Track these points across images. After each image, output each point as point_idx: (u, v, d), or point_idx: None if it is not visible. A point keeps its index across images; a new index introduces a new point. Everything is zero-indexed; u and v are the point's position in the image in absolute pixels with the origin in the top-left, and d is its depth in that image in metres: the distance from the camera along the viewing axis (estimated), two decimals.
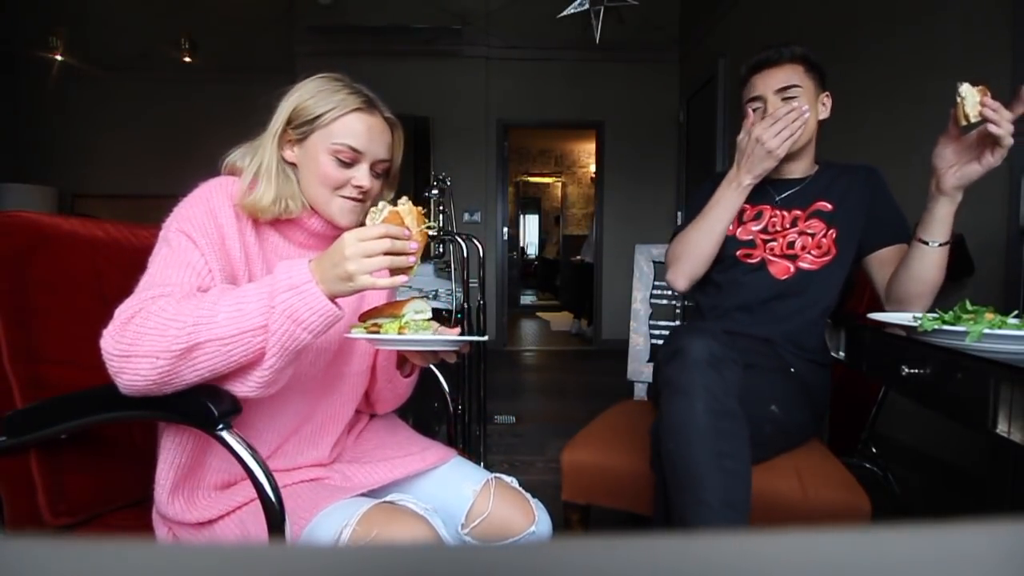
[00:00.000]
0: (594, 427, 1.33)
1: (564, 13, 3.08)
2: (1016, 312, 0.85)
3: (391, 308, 0.83)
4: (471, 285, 2.04)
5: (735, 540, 0.14)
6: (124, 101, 5.29)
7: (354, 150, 0.83)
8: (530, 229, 10.50)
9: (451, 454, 0.98)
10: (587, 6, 3.04)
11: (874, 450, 1.60)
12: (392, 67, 4.95)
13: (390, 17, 4.75)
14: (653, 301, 1.65)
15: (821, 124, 1.26)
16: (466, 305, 2.01)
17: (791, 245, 1.23)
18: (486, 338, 0.95)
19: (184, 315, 0.68)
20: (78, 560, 0.14)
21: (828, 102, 1.24)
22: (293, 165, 0.86)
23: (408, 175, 5.01)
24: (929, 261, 1.04)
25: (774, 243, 1.25)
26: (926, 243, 1.03)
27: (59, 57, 4.81)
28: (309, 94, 0.84)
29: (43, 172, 5.03)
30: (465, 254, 1.97)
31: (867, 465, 1.58)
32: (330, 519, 0.74)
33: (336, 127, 0.83)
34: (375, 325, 0.81)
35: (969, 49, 1.94)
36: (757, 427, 1.04)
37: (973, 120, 0.89)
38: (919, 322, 0.83)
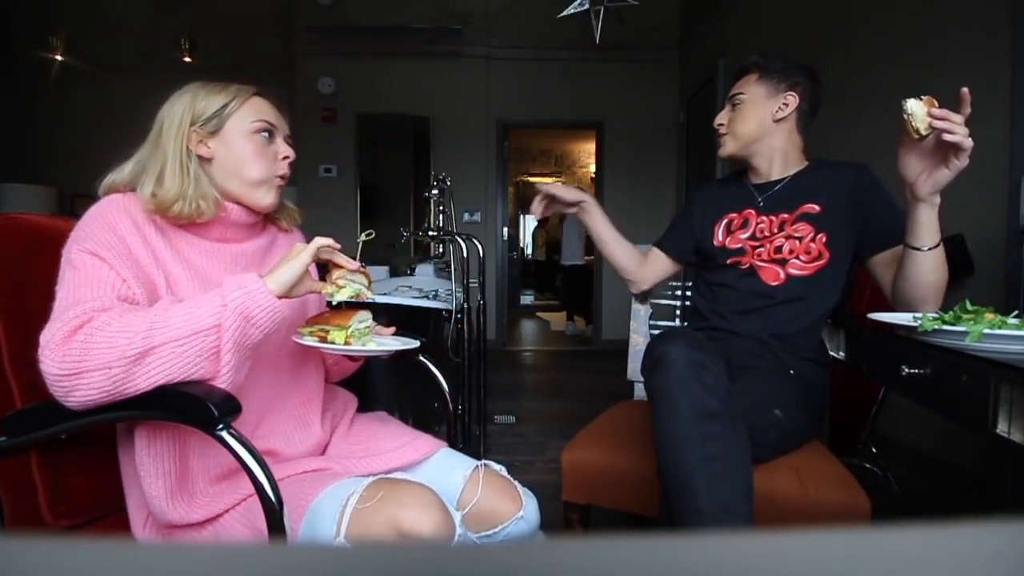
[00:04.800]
0: (594, 427, 1.33)
1: (564, 13, 3.08)
2: (1016, 312, 0.85)
3: (339, 317, 0.89)
4: (471, 285, 2.04)
5: (735, 540, 0.14)
6: (124, 101, 5.28)
7: (271, 124, 0.91)
8: (530, 229, 10.49)
9: (441, 444, 1.01)
10: (587, 6, 3.04)
11: (874, 450, 1.60)
12: (392, 67, 4.95)
13: (390, 17, 4.74)
14: (653, 301, 1.65)
15: (800, 115, 1.25)
16: (466, 305, 2.01)
17: (778, 250, 1.23)
18: (418, 344, 1.00)
19: (134, 324, 0.69)
20: (78, 560, 0.14)
21: (792, 99, 1.23)
22: (208, 161, 0.89)
23: (408, 175, 5.02)
24: (926, 265, 1.02)
25: (762, 248, 1.25)
26: (917, 249, 1.01)
27: (59, 57, 4.80)
28: (200, 95, 0.88)
29: (43, 172, 5.02)
30: (465, 254, 1.97)
31: (867, 465, 1.58)
32: (336, 493, 0.76)
33: (247, 109, 0.89)
34: (322, 331, 0.88)
35: (969, 49, 1.94)
36: (761, 431, 1.04)
37: (924, 133, 0.89)
38: (919, 322, 0.83)
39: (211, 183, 0.88)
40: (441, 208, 2.03)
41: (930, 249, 1.00)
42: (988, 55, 1.85)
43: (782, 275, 1.22)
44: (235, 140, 0.88)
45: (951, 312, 0.84)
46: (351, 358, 1.06)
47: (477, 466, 0.96)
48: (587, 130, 6.05)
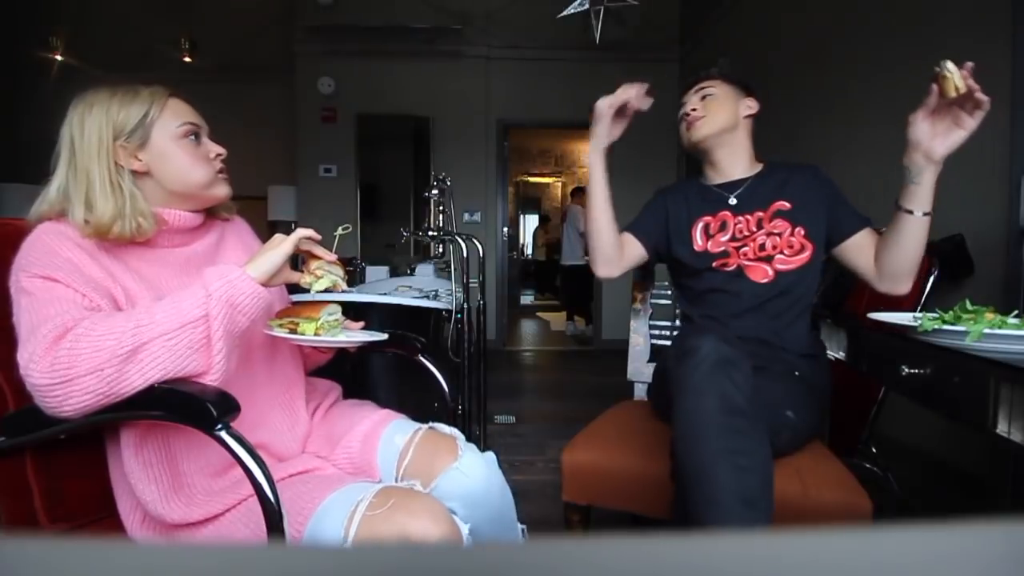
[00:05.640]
0: (594, 427, 1.33)
1: (564, 13, 3.08)
2: (1016, 312, 0.85)
3: (308, 310, 0.91)
4: (471, 285, 2.04)
5: (736, 540, 0.14)
6: None
7: (195, 124, 0.89)
8: (530, 229, 10.49)
9: (395, 416, 1.04)
10: (587, 6, 3.04)
11: (874, 450, 1.60)
12: (392, 67, 4.95)
13: (390, 17, 4.74)
14: (653, 301, 1.65)
15: (752, 123, 1.35)
16: (466, 305, 2.01)
17: (763, 247, 1.26)
18: (385, 336, 1.02)
19: (119, 325, 0.69)
20: (76, 561, 0.14)
21: (753, 104, 1.34)
22: (144, 174, 0.85)
23: (408, 175, 5.02)
24: (919, 231, 1.09)
25: (746, 248, 1.27)
26: (912, 212, 1.07)
27: (59, 57, 4.80)
28: (114, 106, 0.83)
29: (43, 172, 5.03)
30: (465, 254, 1.97)
31: (867, 465, 1.58)
32: (344, 497, 0.77)
33: (168, 113, 0.86)
34: (292, 322, 0.90)
35: (969, 49, 1.94)
36: (774, 433, 1.04)
37: (962, 91, 0.95)
38: (919, 322, 0.83)
39: (146, 198, 0.85)
40: (441, 208, 2.03)
41: (925, 215, 1.07)
42: (988, 55, 1.85)
43: (770, 272, 1.25)
44: (166, 149, 0.85)
45: (951, 312, 0.84)
46: (321, 350, 1.08)
47: (417, 429, 1.00)
48: (587, 130, 6.02)
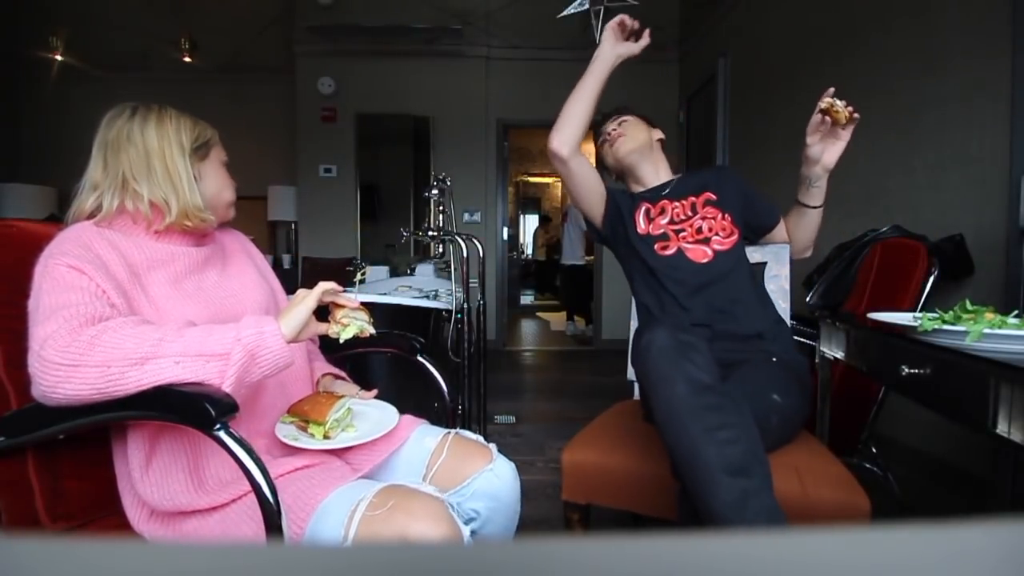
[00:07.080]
0: (594, 427, 1.33)
1: (564, 13, 3.08)
2: (1016, 312, 0.85)
3: (316, 412, 0.91)
4: (471, 285, 2.04)
5: (735, 540, 0.14)
6: (124, 101, 5.27)
7: (226, 160, 1.03)
8: (530, 229, 10.49)
9: (419, 422, 1.05)
10: (587, 6, 3.04)
11: (874, 450, 1.60)
12: (392, 67, 4.95)
13: (390, 17, 4.74)
14: None
15: (662, 144, 1.54)
16: (466, 305, 2.01)
17: (700, 230, 1.37)
18: (395, 423, 0.98)
19: (147, 333, 0.72)
20: (78, 560, 0.14)
21: (661, 134, 1.54)
22: (198, 181, 0.96)
23: (408, 175, 5.02)
24: (818, 218, 1.37)
25: (684, 232, 1.38)
26: (814, 207, 1.34)
27: (59, 57, 4.80)
28: (184, 123, 0.94)
29: (43, 172, 5.03)
30: (465, 254, 1.97)
31: (867, 465, 1.58)
32: (345, 495, 0.77)
33: (218, 144, 1.01)
34: (303, 422, 0.92)
35: (969, 50, 1.94)
36: (763, 418, 1.05)
37: (851, 118, 1.20)
38: (919, 322, 0.83)
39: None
40: (441, 208, 2.03)
41: (820, 206, 1.35)
42: (988, 56, 1.85)
43: (709, 252, 1.35)
44: (214, 169, 0.99)
45: (951, 312, 0.84)
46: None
47: (447, 433, 1.02)
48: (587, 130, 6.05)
